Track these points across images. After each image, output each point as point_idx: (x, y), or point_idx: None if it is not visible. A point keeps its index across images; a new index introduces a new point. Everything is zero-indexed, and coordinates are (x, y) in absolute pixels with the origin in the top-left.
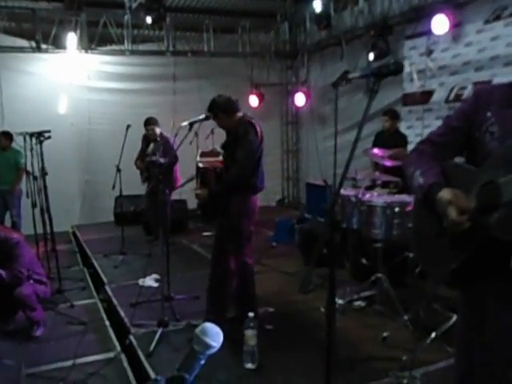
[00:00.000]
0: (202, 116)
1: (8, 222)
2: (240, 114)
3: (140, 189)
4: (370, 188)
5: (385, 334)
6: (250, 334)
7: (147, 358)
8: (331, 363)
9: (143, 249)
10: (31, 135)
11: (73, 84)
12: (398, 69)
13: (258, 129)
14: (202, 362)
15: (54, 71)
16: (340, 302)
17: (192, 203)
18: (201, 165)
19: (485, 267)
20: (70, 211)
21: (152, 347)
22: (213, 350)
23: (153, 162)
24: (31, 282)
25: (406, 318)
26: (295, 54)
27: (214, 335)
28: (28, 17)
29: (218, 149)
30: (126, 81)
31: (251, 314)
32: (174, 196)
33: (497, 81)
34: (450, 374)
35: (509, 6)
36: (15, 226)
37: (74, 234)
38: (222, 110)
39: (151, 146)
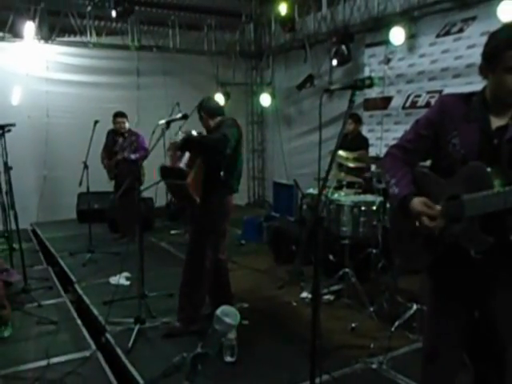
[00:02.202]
0: (180, 115)
1: None
2: (221, 117)
3: (104, 186)
4: (336, 188)
5: (353, 325)
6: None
7: (126, 354)
8: (316, 352)
9: (110, 247)
10: None
11: (30, 75)
12: (371, 83)
13: (237, 130)
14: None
15: (11, 61)
16: (310, 296)
17: (159, 201)
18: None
19: (452, 258)
20: (27, 208)
21: (130, 344)
22: (232, 329)
23: (124, 159)
24: None
25: (371, 309)
26: (260, 55)
27: (233, 316)
28: None
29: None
30: (88, 73)
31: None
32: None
33: (447, 91)
34: (412, 357)
35: (457, 22)
36: None
37: (33, 231)
38: (206, 111)
39: (120, 141)
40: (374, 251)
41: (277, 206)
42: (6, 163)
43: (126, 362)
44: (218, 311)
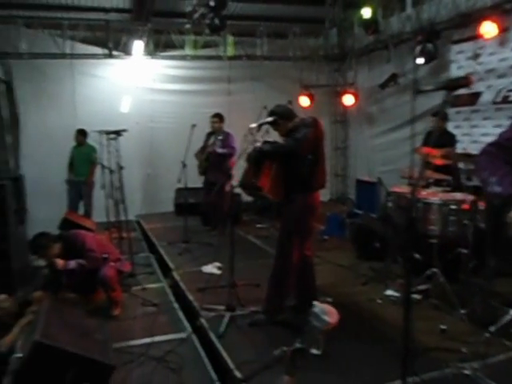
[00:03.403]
0: (270, 118)
1: (81, 209)
2: (299, 118)
3: (198, 182)
4: (423, 186)
5: (443, 327)
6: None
7: (219, 339)
8: (408, 352)
9: (203, 238)
10: (109, 133)
11: (138, 86)
12: (467, 82)
13: (313, 129)
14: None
15: (122, 75)
16: (396, 294)
17: (246, 196)
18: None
19: None
20: (133, 202)
21: (222, 329)
22: (329, 326)
23: (213, 153)
24: (112, 264)
25: (462, 311)
26: (343, 57)
27: (331, 314)
28: (102, 27)
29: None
30: (186, 83)
31: (317, 303)
32: (229, 189)
33: None
34: (510, 366)
35: None
36: (87, 214)
37: (138, 222)
38: (281, 117)
39: (212, 138)
40: (465, 251)
41: (359, 202)
42: (118, 163)
43: (219, 346)
44: (317, 309)
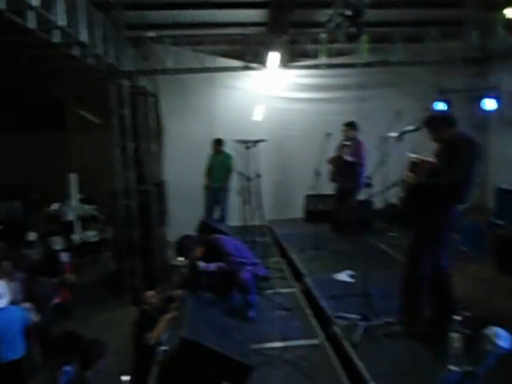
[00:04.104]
0: (412, 127)
1: (216, 214)
2: (458, 129)
3: (329, 189)
4: None
5: None
6: (456, 337)
7: (354, 348)
8: None
9: (334, 245)
10: (248, 142)
11: (272, 96)
12: None
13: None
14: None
15: (257, 85)
16: None
17: (378, 203)
18: (415, 156)
19: None
20: (264, 207)
21: (357, 339)
22: (503, 352)
23: (342, 160)
24: (249, 268)
25: None
26: (484, 60)
27: (505, 338)
28: (240, 41)
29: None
30: (318, 91)
31: (456, 317)
32: (360, 197)
33: None
34: None
35: None
36: (222, 218)
37: (268, 227)
38: (442, 123)
39: (344, 147)
40: None
41: (500, 212)
42: (256, 171)
43: (354, 355)
44: (490, 332)
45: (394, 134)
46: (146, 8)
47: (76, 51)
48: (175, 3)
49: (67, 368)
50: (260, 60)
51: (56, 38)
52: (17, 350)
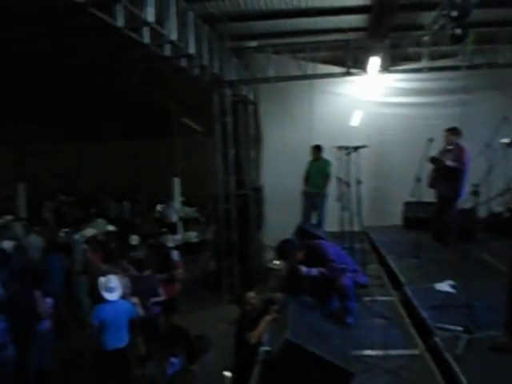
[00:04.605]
0: None
1: (313, 219)
2: None
3: (430, 196)
4: None
5: None
6: None
7: (456, 361)
8: None
9: (434, 254)
10: (349, 148)
11: (370, 101)
12: None
13: None
14: None
15: (357, 91)
16: None
17: (481, 211)
18: None
19: None
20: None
21: (459, 351)
22: None
23: (443, 164)
24: (350, 274)
25: None
26: None
27: None
28: (341, 47)
29: None
30: (418, 95)
31: None
32: (462, 204)
33: None
34: None
35: None
36: (319, 224)
37: (365, 234)
38: None
39: (443, 149)
40: None
41: None
42: (356, 178)
43: (457, 368)
44: None
45: (505, 140)
46: (248, 19)
47: (184, 63)
48: (276, 13)
49: (174, 360)
50: (360, 65)
51: (167, 51)
52: (121, 340)
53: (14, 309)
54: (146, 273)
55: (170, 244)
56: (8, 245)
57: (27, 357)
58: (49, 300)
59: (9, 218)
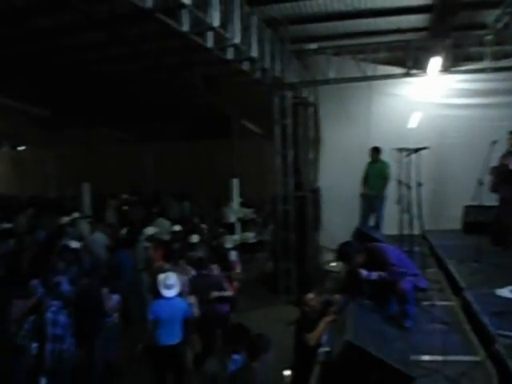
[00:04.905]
0: None
1: (371, 222)
2: None
3: (492, 200)
4: None
5: None
6: None
7: None
8: None
9: (495, 259)
10: (408, 150)
11: (430, 102)
12: None
13: None
14: None
15: (416, 92)
16: None
17: None
18: None
19: None
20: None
21: None
22: None
23: (505, 166)
24: (410, 278)
25: None
26: None
27: None
28: (401, 47)
29: None
30: (481, 96)
31: None
32: None
33: None
34: None
35: None
36: (377, 226)
37: (424, 237)
38: None
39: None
40: None
41: None
42: (417, 180)
43: None
44: None
45: None
46: (308, 21)
47: (246, 66)
48: (336, 15)
49: (236, 357)
50: (421, 66)
51: (229, 54)
52: (174, 337)
53: (82, 305)
54: (207, 271)
55: (229, 245)
56: (76, 244)
57: (93, 350)
58: (115, 297)
59: (76, 215)
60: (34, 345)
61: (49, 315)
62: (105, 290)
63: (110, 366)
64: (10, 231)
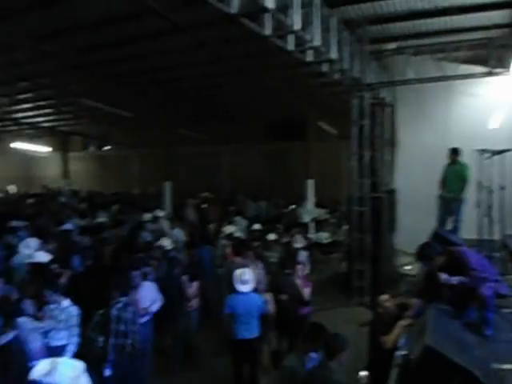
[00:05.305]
0: None
1: (449, 225)
2: None
3: None
4: None
5: None
6: None
7: None
8: None
9: None
10: (490, 152)
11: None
12: None
13: None
14: None
15: (498, 92)
16: None
17: None
18: None
19: None
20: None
21: None
22: None
23: None
24: (491, 284)
25: None
26: None
27: None
28: (483, 45)
29: None
30: None
31: None
32: None
33: None
34: None
35: None
36: (455, 230)
37: (503, 242)
38: None
39: None
40: None
41: None
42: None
43: None
44: None
45: None
46: (387, 21)
47: (325, 68)
48: (416, 13)
49: (313, 355)
50: (504, 64)
51: (309, 57)
52: (251, 332)
53: (164, 292)
54: (288, 270)
55: (299, 244)
56: (166, 242)
57: (177, 331)
58: (194, 283)
59: (159, 212)
60: (101, 338)
61: (113, 312)
62: (184, 277)
63: (190, 348)
64: (99, 225)
